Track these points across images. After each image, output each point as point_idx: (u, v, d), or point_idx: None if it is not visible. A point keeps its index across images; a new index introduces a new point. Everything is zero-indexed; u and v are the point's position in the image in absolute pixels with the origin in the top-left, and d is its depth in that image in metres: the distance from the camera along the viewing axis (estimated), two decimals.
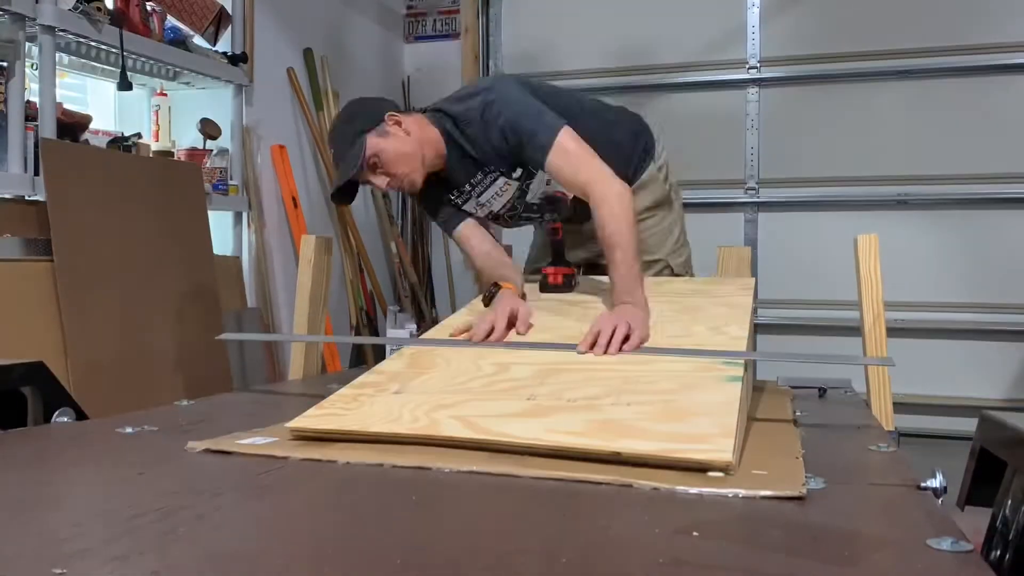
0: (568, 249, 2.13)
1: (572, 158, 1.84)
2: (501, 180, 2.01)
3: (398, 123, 1.92)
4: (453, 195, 2.06)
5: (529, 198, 2.08)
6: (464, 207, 2.08)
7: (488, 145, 1.93)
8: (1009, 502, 1.23)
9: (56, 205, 2.49)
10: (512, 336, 1.71)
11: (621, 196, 1.80)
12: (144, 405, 1.68)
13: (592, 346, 1.54)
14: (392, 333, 3.02)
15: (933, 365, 3.82)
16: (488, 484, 1.06)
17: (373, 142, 1.88)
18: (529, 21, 4.60)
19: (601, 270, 2.23)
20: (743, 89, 4.22)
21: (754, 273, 2.58)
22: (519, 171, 2.00)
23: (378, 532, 0.88)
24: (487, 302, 1.88)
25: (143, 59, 3.01)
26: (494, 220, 2.15)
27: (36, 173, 2.51)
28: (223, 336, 2.30)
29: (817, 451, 1.21)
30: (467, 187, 2.03)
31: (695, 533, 0.84)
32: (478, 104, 1.92)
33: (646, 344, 1.57)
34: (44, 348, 2.35)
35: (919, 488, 1.02)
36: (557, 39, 4.54)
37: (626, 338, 1.55)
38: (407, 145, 1.91)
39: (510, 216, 2.13)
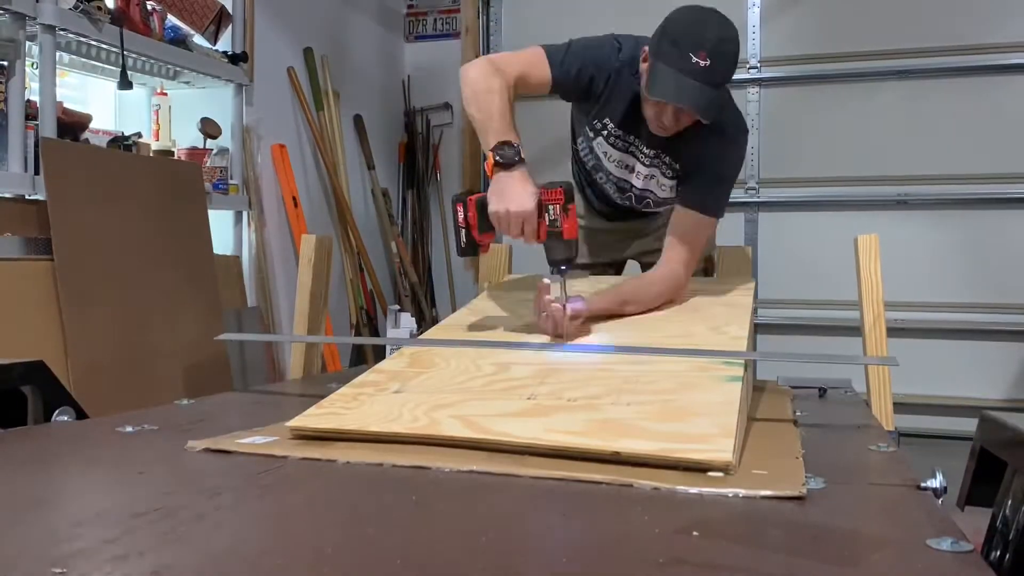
0: (599, 250, 2.17)
1: (692, 239, 1.85)
2: (656, 172, 1.97)
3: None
4: (596, 122, 1.98)
5: (623, 199, 2.08)
6: (591, 137, 2.01)
7: (689, 152, 1.87)
8: (1009, 502, 1.23)
9: (56, 204, 2.49)
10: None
11: (675, 292, 1.83)
12: (144, 404, 1.68)
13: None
14: (392, 333, 3.02)
15: (933, 365, 3.82)
16: (488, 484, 1.05)
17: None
18: (529, 21, 4.60)
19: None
20: (743, 89, 4.22)
21: (754, 273, 2.58)
22: (673, 182, 1.97)
23: (378, 532, 0.88)
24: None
25: (143, 58, 3.01)
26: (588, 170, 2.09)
27: (36, 172, 2.51)
28: (222, 336, 2.30)
29: (817, 451, 1.21)
30: (631, 137, 1.95)
31: (695, 533, 0.84)
32: (729, 125, 1.86)
33: (647, 344, 1.56)
34: (44, 347, 2.35)
35: (919, 488, 1.02)
36: (557, 39, 4.53)
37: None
38: None
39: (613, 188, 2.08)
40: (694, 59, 1.66)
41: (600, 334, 1.66)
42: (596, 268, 2.27)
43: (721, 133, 1.85)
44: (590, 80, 1.91)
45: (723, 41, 1.69)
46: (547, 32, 4.78)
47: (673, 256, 1.84)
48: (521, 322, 1.77)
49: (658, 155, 1.95)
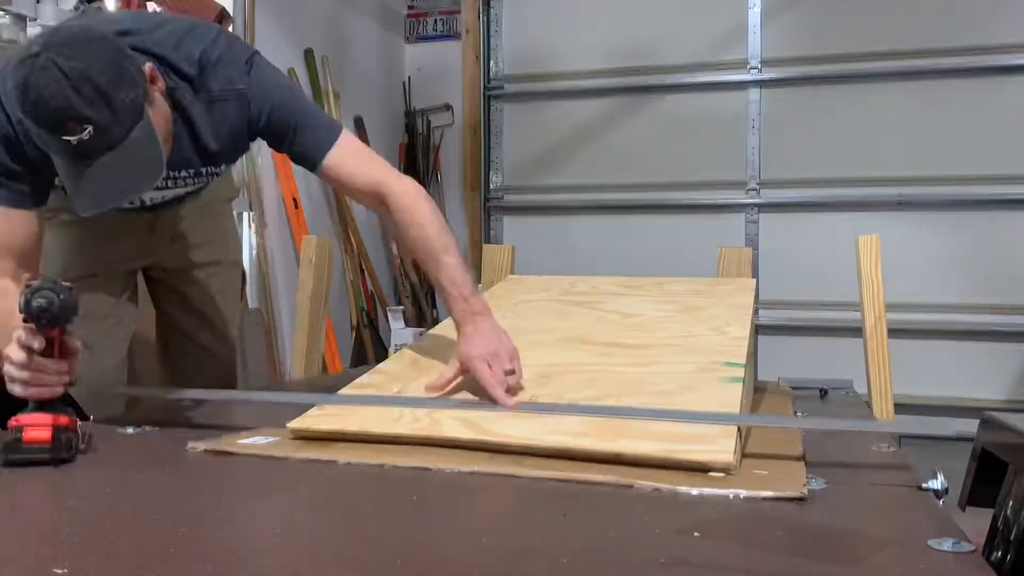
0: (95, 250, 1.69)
1: (361, 156, 1.56)
2: (195, 180, 1.59)
3: (155, 79, 1.35)
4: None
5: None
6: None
7: (226, 135, 1.50)
8: (1010, 503, 1.23)
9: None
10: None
11: (427, 196, 1.55)
12: (145, 405, 1.68)
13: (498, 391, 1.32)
14: (395, 326, 3.05)
15: (934, 366, 3.82)
16: (488, 484, 1.05)
17: (152, 118, 1.31)
18: (530, 21, 4.60)
19: (155, 284, 1.86)
20: (744, 90, 4.22)
21: (755, 274, 2.58)
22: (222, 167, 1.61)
23: (378, 532, 0.88)
24: None
25: None
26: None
27: None
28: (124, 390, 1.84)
29: (818, 451, 1.21)
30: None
31: (696, 533, 0.84)
32: (236, 77, 1.46)
33: (648, 344, 1.56)
34: None
35: (920, 489, 1.02)
36: (558, 39, 4.54)
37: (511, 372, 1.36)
38: (168, 116, 1.39)
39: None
40: (69, 139, 1.20)
41: (596, 336, 1.66)
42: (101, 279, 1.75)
43: (218, 101, 1.46)
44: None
45: (77, 86, 1.19)
46: (547, 33, 4.79)
47: (380, 184, 1.53)
48: (522, 323, 1.77)
49: (193, 168, 1.57)
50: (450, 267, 1.49)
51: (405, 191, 1.53)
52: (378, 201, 1.55)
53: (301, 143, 1.52)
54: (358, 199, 1.68)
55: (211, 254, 1.89)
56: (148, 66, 1.33)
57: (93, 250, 1.72)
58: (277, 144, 1.55)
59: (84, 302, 1.25)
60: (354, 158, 1.55)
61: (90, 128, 1.20)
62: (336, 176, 1.55)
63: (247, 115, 1.49)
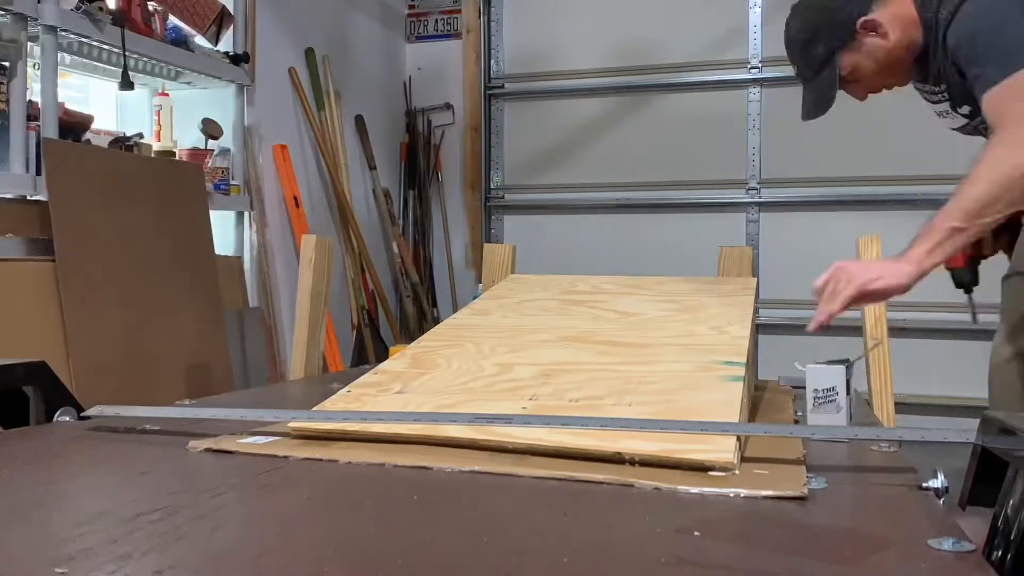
0: None
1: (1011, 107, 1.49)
2: (946, 107, 1.75)
3: (874, 29, 1.64)
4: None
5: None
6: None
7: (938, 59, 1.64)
8: (1011, 502, 1.22)
9: (58, 205, 2.49)
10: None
11: (1019, 149, 1.47)
12: (146, 404, 1.68)
13: (821, 292, 1.47)
14: None
15: (935, 365, 3.82)
16: (489, 484, 1.05)
17: (848, 60, 1.66)
18: (531, 21, 4.60)
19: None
20: (745, 89, 4.22)
21: (756, 273, 2.58)
22: (966, 108, 1.70)
23: (379, 532, 0.88)
24: None
25: (145, 59, 3.01)
26: None
27: (38, 173, 2.51)
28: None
29: (818, 451, 1.21)
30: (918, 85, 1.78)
31: (696, 533, 0.84)
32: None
33: (648, 343, 1.56)
34: (46, 347, 2.35)
35: (920, 488, 1.02)
36: (559, 39, 4.54)
37: (862, 296, 1.45)
38: (889, 55, 1.65)
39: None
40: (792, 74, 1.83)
41: (597, 335, 1.66)
42: None
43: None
44: None
45: (792, 44, 1.79)
46: (548, 32, 4.79)
47: (1003, 123, 1.50)
48: (523, 322, 1.77)
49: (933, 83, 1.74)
50: (956, 195, 1.49)
51: (1008, 139, 1.48)
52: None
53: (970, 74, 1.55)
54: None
55: None
56: (863, 20, 1.63)
57: None
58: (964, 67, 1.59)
59: None
60: (1001, 105, 1.50)
61: (795, 68, 1.80)
62: (986, 111, 1.55)
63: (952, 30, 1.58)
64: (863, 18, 1.63)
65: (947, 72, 1.65)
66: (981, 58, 1.52)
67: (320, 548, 0.82)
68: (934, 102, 1.77)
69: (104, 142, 2.90)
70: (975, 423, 1.40)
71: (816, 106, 1.78)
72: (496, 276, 2.28)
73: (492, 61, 4.68)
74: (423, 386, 1.44)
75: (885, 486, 1.07)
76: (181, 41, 3.16)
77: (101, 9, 2.70)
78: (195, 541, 0.84)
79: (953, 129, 1.83)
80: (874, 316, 1.78)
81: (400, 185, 4.71)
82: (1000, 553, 1.19)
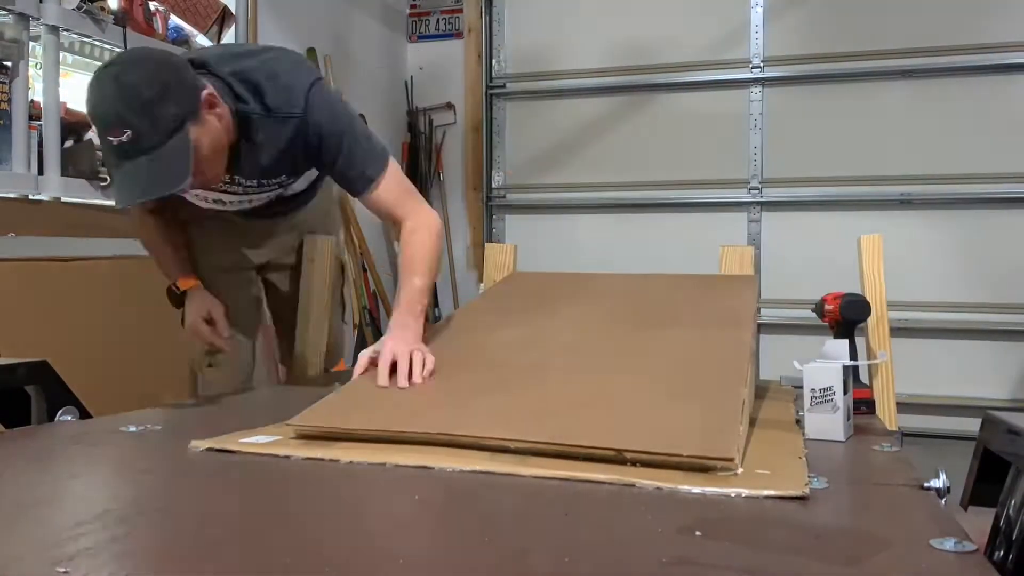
0: (246, 248, 1.97)
1: (399, 191, 1.72)
2: (268, 193, 1.79)
3: (214, 105, 1.51)
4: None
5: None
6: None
7: (286, 152, 1.66)
8: (1013, 502, 1.22)
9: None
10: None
11: (438, 232, 1.73)
12: (147, 404, 1.68)
13: (391, 376, 1.44)
14: None
15: (937, 365, 3.82)
16: (490, 483, 1.05)
17: (195, 135, 1.46)
18: (532, 20, 4.60)
19: (274, 269, 2.09)
20: (746, 88, 4.22)
21: (757, 273, 2.57)
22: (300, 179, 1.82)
23: (380, 531, 0.88)
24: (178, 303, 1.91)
25: None
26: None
27: (40, 172, 2.51)
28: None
29: (820, 451, 1.21)
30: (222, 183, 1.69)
31: (698, 533, 0.84)
32: (296, 98, 1.60)
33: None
34: (47, 347, 2.35)
35: (922, 488, 1.01)
36: (560, 38, 4.54)
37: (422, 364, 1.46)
38: (222, 137, 1.55)
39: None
40: (113, 140, 1.40)
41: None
42: (235, 271, 2.03)
43: (281, 122, 1.61)
44: None
45: (126, 97, 1.39)
46: (549, 31, 4.79)
47: (404, 212, 1.71)
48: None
49: (256, 184, 1.75)
50: (413, 288, 1.64)
51: (419, 224, 1.71)
52: (399, 226, 1.74)
53: (347, 176, 1.70)
54: (383, 220, 1.85)
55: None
56: (207, 92, 1.50)
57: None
58: (328, 169, 1.74)
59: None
60: (393, 195, 1.71)
61: (129, 132, 1.38)
62: (373, 208, 1.74)
63: (303, 136, 1.64)
64: (208, 91, 1.50)
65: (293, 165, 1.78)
66: (352, 168, 1.71)
67: (321, 547, 0.82)
68: (237, 194, 1.78)
69: None
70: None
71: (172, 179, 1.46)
72: (498, 276, 2.28)
73: (494, 61, 4.68)
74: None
75: (887, 486, 1.07)
76: (183, 41, 3.16)
77: (103, 9, 2.70)
78: (196, 541, 0.84)
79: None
80: (875, 315, 1.78)
81: None
82: (1002, 553, 1.19)
